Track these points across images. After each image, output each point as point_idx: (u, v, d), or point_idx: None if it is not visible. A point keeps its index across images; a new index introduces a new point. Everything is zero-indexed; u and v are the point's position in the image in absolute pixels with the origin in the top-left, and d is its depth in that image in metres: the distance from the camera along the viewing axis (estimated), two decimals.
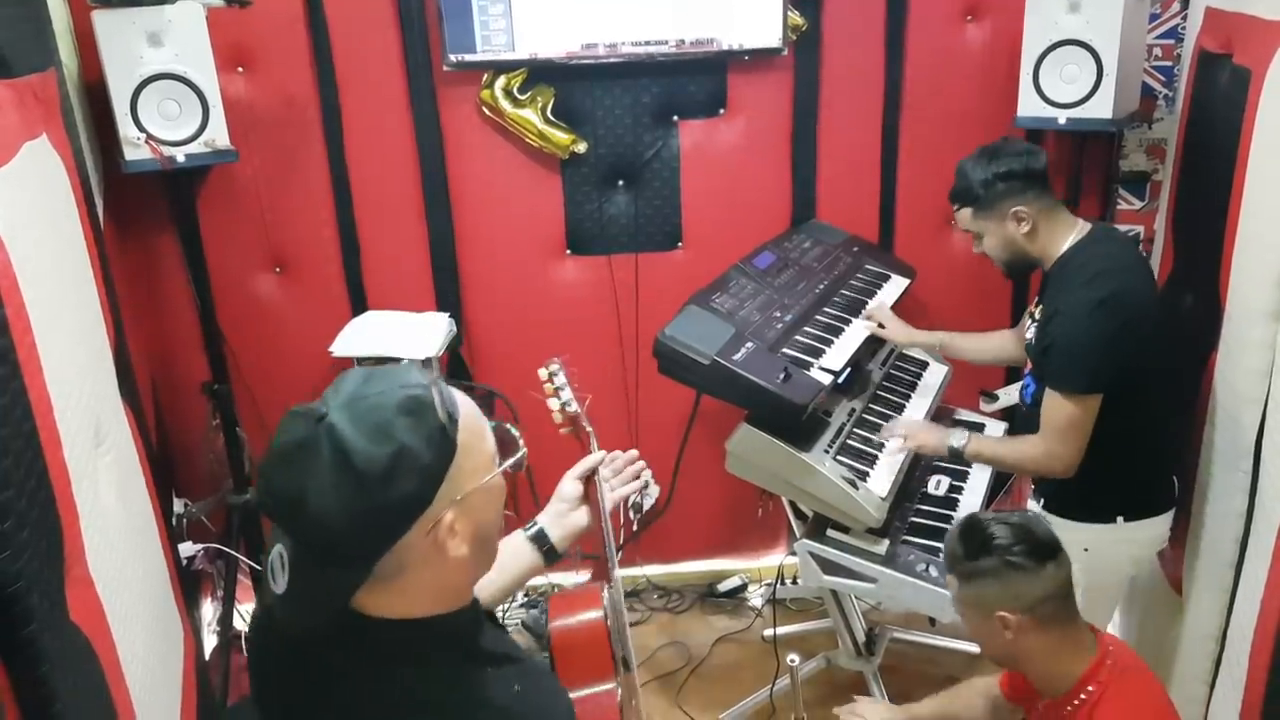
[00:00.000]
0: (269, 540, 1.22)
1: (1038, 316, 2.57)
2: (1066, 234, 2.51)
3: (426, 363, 3.05)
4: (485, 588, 1.61)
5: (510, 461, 1.31)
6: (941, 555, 2.05)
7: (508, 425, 1.40)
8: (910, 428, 2.79)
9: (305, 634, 1.22)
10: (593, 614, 1.74)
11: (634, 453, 1.92)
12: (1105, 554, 2.54)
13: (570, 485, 1.82)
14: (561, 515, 1.81)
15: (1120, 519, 2.52)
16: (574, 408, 1.90)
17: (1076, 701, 1.91)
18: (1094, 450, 2.44)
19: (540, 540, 1.78)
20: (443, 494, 1.17)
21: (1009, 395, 3.19)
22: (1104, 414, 2.42)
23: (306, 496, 1.12)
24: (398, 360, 3.03)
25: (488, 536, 1.28)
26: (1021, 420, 2.72)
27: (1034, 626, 1.90)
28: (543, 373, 1.95)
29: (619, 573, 1.93)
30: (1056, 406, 2.41)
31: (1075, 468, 2.42)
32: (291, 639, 1.24)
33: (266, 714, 1.32)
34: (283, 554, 1.18)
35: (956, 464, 2.90)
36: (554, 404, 1.91)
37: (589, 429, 1.90)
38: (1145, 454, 2.55)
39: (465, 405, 1.24)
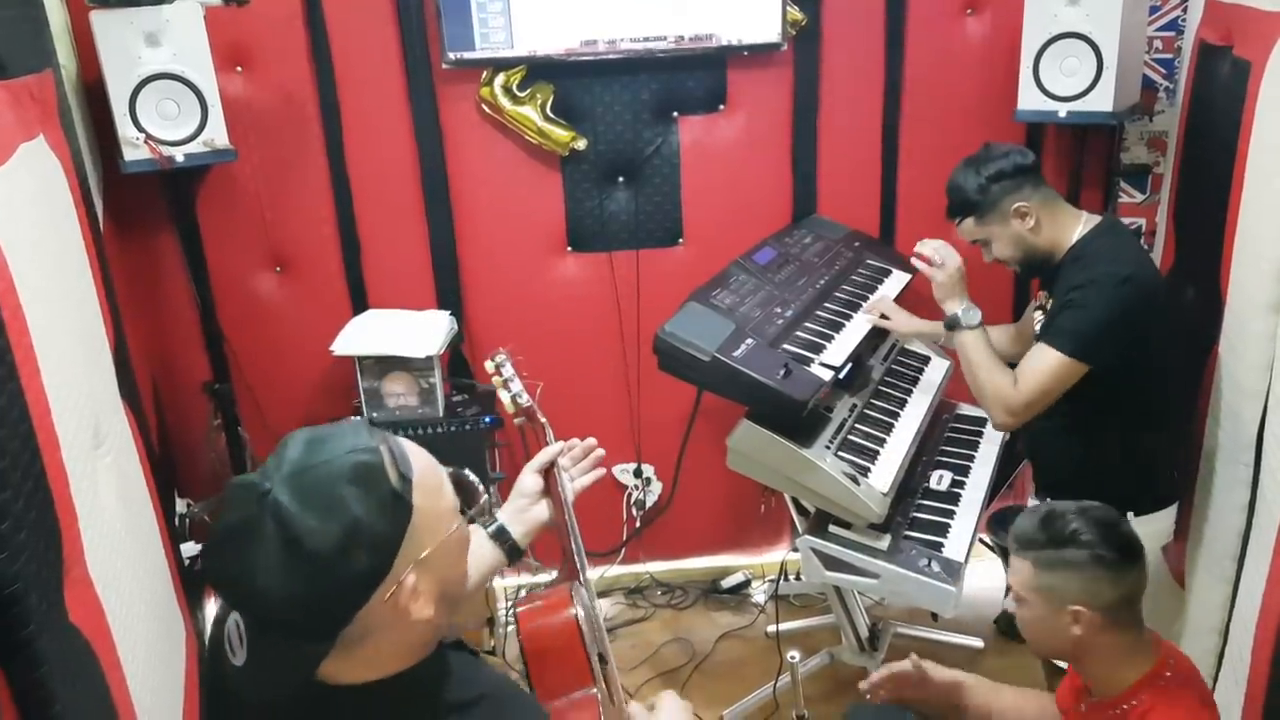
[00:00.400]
0: (220, 608, 1.17)
1: (1049, 306, 2.58)
2: (1073, 225, 2.52)
3: (428, 360, 3.05)
4: None
5: (472, 511, 1.27)
6: (1011, 539, 1.96)
7: (465, 471, 1.35)
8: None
9: (267, 706, 1.16)
10: (563, 618, 1.71)
11: (592, 440, 1.89)
12: None
13: (529, 479, 1.78)
14: (522, 510, 1.77)
15: (1130, 514, 2.51)
16: (525, 399, 1.87)
17: (1126, 707, 1.85)
18: (1103, 444, 2.46)
19: (501, 537, 1.74)
20: (401, 559, 1.11)
21: None
22: (1112, 407, 2.43)
23: (256, 578, 1.06)
24: (400, 359, 3.03)
25: (454, 592, 1.23)
26: None
27: (1104, 626, 1.83)
28: (489, 365, 1.92)
29: (590, 571, 1.88)
30: (1039, 357, 2.42)
31: (1014, 426, 2.48)
32: (251, 708, 1.18)
33: None
34: (239, 624, 1.13)
35: (951, 329, 2.69)
36: (504, 396, 1.89)
37: (543, 420, 1.87)
38: (1153, 448, 2.56)
39: (419, 459, 1.17)
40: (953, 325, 2.62)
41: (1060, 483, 2.57)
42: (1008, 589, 2.61)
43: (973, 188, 2.53)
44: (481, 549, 1.72)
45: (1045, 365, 2.41)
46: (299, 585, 1.05)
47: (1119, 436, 2.47)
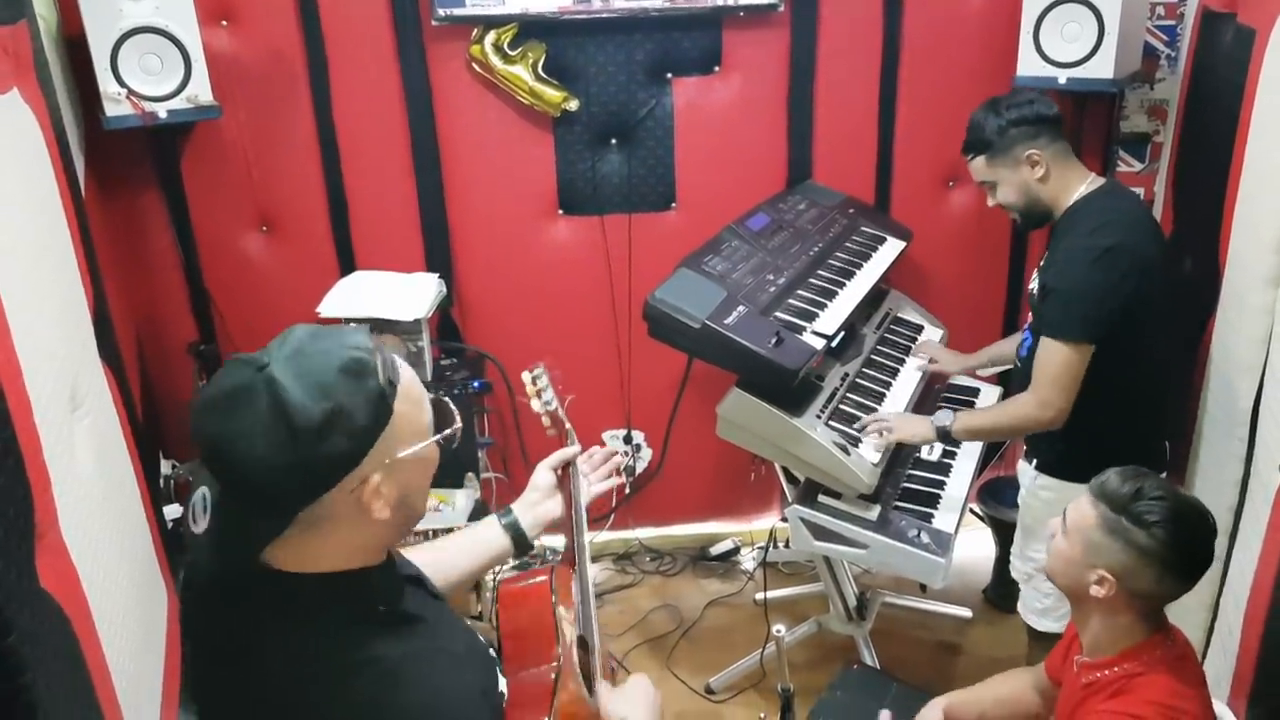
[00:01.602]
0: (193, 483, 1.24)
1: (1042, 267, 2.56)
2: (1078, 184, 2.49)
3: (415, 324, 3.01)
4: (448, 570, 1.67)
5: (444, 434, 1.32)
6: (1094, 482, 1.88)
7: (446, 399, 1.37)
8: (893, 421, 2.75)
9: (216, 584, 1.26)
10: (539, 597, 1.74)
11: (612, 449, 1.96)
12: None
13: (544, 475, 1.83)
14: (534, 504, 1.81)
15: None
16: (554, 406, 1.94)
17: (1116, 669, 1.83)
18: (1092, 411, 2.43)
19: (513, 528, 1.78)
20: (373, 456, 1.19)
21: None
22: (1103, 374, 2.40)
23: (237, 442, 1.14)
24: (388, 321, 3.00)
25: (412, 504, 1.30)
26: (1016, 377, 2.70)
27: (1123, 603, 1.81)
28: (526, 376, 1.98)
29: (591, 568, 1.91)
30: (1050, 353, 2.40)
31: (1065, 416, 2.41)
32: (207, 591, 1.28)
33: (196, 665, 1.34)
34: (205, 496, 1.23)
35: (948, 445, 2.84)
36: (536, 405, 1.95)
37: (567, 425, 1.93)
38: (1142, 417, 2.53)
39: (406, 373, 1.26)
40: (944, 436, 2.63)
41: (1053, 449, 2.56)
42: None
43: (991, 128, 2.51)
44: (490, 534, 1.78)
45: (1054, 360, 2.39)
46: (276, 454, 1.13)
47: (1114, 404, 2.46)
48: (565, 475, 1.85)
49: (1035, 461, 2.61)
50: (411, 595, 1.38)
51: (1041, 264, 2.56)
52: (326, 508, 1.19)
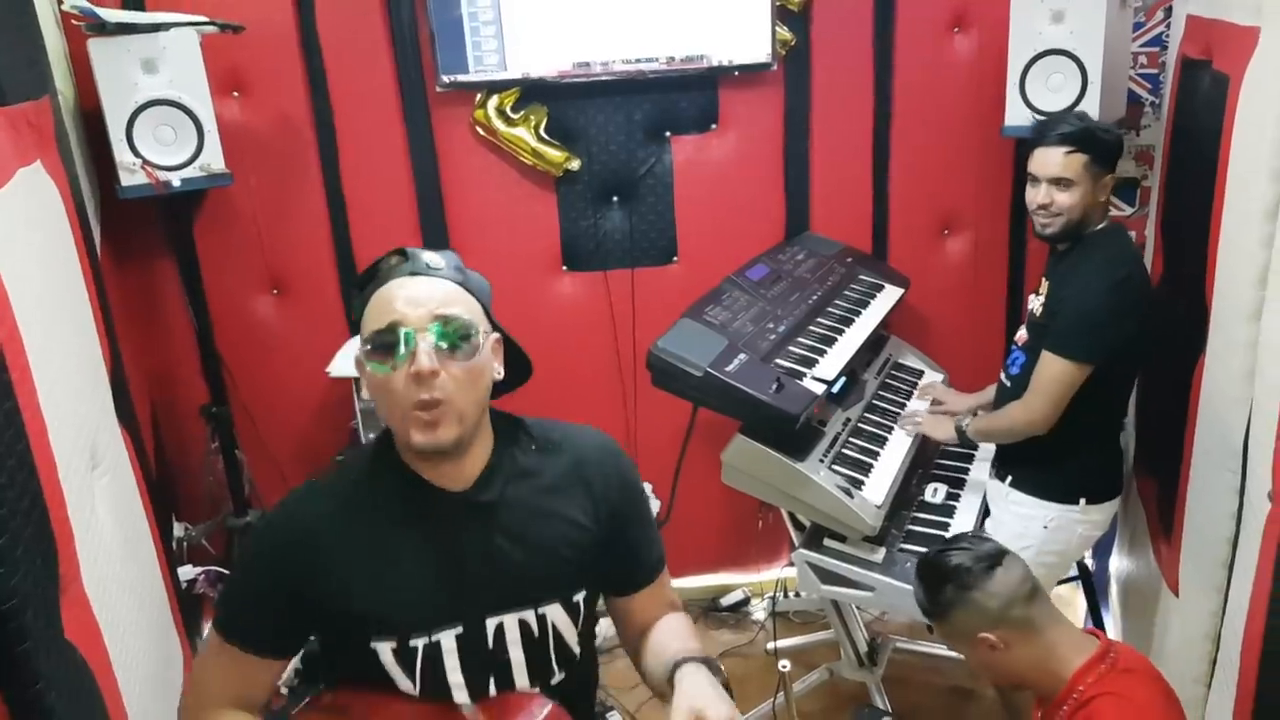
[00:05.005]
0: None
1: (1043, 292, 2.69)
2: (1104, 217, 2.64)
3: None
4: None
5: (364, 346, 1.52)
6: (922, 610, 2.13)
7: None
8: (924, 418, 3.04)
9: None
10: None
11: None
12: (1064, 533, 2.70)
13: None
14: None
15: (1083, 501, 2.68)
16: None
17: (1068, 703, 1.90)
18: (1069, 434, 2.61)
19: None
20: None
21: None
22: (1085, 400, 2.56)
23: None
24: None
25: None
26: (1005, 396, 2.80)
27: (1016, 637, 1.92)
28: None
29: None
30: (1050, 366, 2.55)
31: (1050, 425, 2.58)
32: None
33: None
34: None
35: (966, 447, 3.04)
36: None
37: None
38: (1110, 441, 2.74)
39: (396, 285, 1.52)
40: (961, 435, 2.86)
41: (1026, 468, 2.74)
42: None
43: (1113, 141, 2.61)
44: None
45: (1053, 373, 2.56)
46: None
47: (1092, 428, 2.65)
48: None
49: (1009, 479, 2.76)
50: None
51: (1047, 286, 2.67)
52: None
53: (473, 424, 1.51)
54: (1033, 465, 2.71)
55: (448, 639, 1.55)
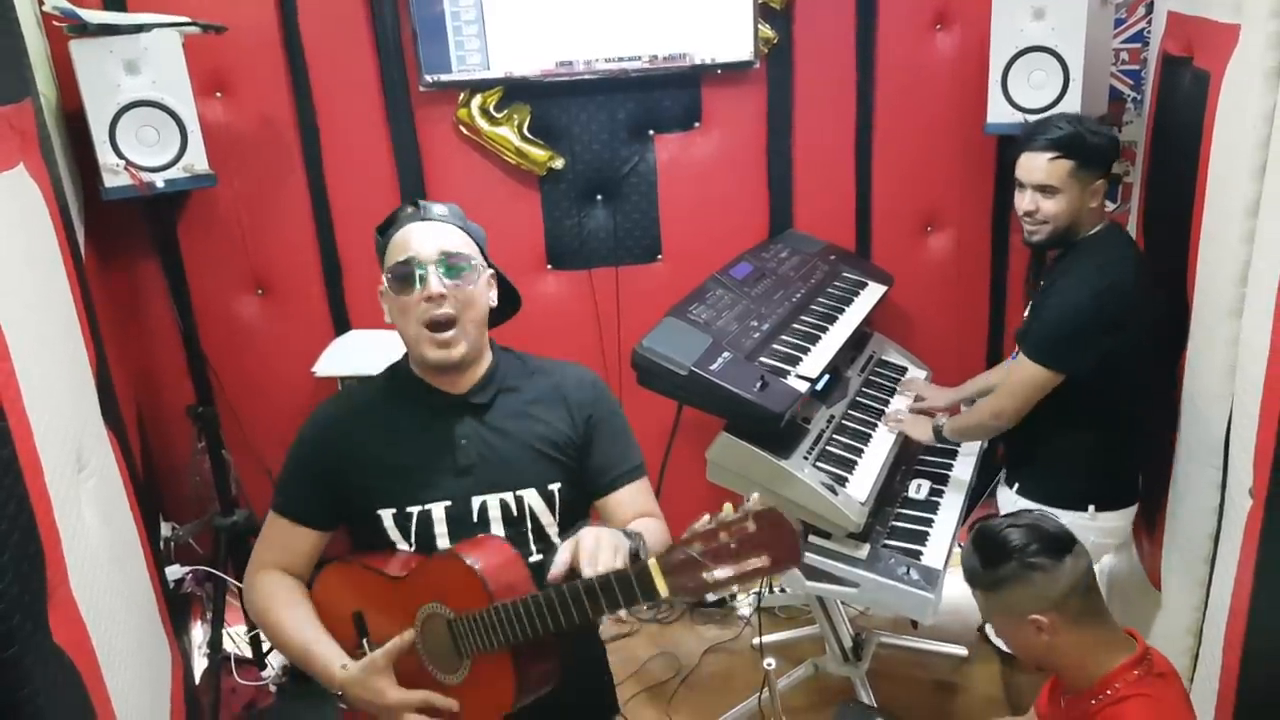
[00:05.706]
0: None
1: (1042, 290, 2.69)
2: (1099, 220, 2.61)
3: None
4: None
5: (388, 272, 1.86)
6: (963, 573, 2.03)
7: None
8: (905, 418, 3.05)
9: None
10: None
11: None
12: None
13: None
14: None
15: (1092, 508, 2.64)
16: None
17: (1100, 698, 1.88)
18: (1074, 440, 2.60)
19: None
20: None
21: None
22: (1087, 404, 2.55)
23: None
24: None
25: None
26: None
27: (1066, 624, 1.87)
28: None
29: None
30: (1023, 368, 2.57)
31: (1014, 423, 2.63)
32: None
33: None
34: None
35: (944, 444, 3.01)
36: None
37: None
38: (1120, 446, 2.65)
39: (414, 226, 1.88)
40: (939, 434, 2.90)
41: (1035, 476, 2.72)
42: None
43: (1095, 144, 2.53)
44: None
45: (1023, 375, 2.57)
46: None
47: (1096, 433, 2.61)
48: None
49: (1017, 486, 2.74)
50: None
51: (1041, 287, 2.68)
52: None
53: (475, 342, 1.86)
54: (1039, 471, 2.70)
55: (438, 509, 1.86)
